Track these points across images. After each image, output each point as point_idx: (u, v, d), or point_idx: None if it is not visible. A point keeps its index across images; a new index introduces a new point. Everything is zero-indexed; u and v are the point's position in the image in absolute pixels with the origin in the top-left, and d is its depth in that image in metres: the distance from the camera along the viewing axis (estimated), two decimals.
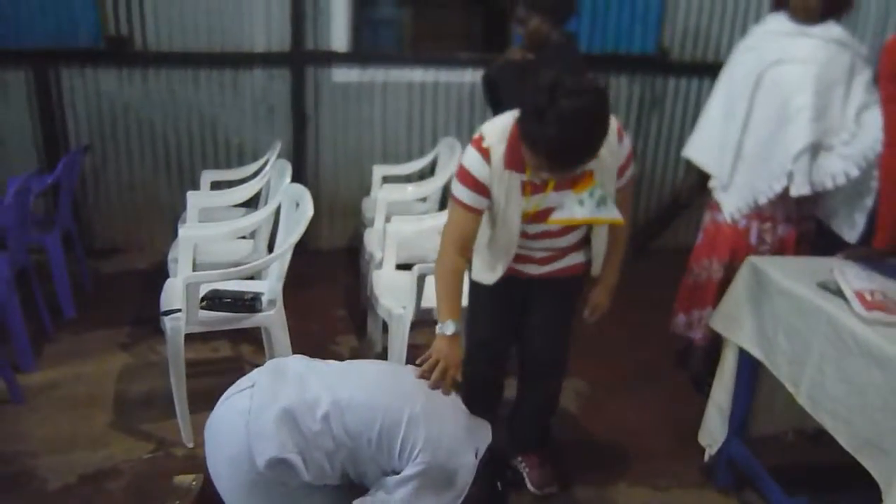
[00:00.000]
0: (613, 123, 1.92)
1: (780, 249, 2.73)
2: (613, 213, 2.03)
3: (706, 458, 2.48)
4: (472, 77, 4.46)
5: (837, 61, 2.55)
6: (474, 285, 2.27)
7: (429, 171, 4.35)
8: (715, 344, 2.79)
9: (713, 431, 2.44)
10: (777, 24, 2.66)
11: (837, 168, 2.56)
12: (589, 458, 2.66)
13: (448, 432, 1.71)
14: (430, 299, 2.71)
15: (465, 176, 2.00)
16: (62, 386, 2.99)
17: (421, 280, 2.64)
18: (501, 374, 2.49)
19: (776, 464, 2.28)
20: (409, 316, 2.68)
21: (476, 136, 2.00)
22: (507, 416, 2.55)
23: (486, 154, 1.96)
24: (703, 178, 2.89)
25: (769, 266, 2.20)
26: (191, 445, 2.59)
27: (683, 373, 3.20)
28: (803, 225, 2.77)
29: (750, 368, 2.30)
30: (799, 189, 2.59)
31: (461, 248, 2.06)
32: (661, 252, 4.77)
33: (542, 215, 2.04)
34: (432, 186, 3.88)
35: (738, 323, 2.29)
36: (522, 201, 2.01)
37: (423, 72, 4.47)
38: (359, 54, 4.43)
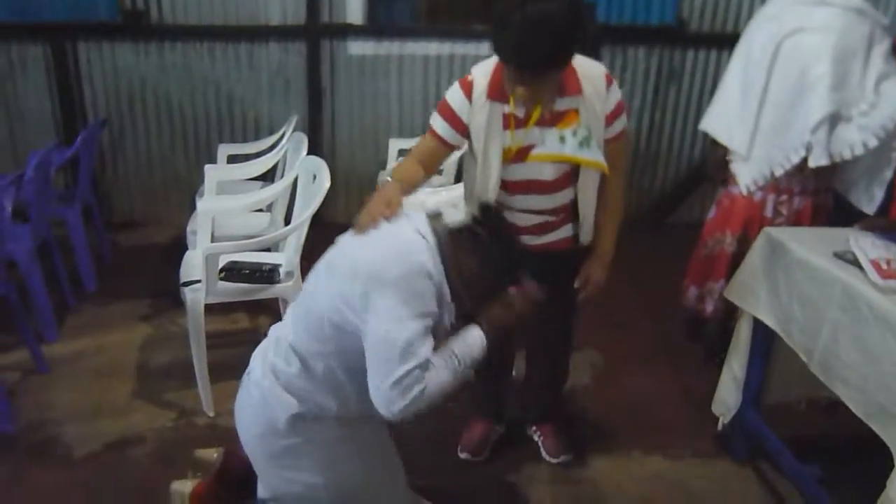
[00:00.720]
0: (601, 68, 1.98)
1: (796, 222, 2.70)
2: (597, 156, 1.98)
3: (720, 427, 2.50)
4: (487, 50, 4.41)
5: (856, 30, 2.51)
6: None
7: None
8: (728, 317, 2.80)
9: (727, 401, 2.45)
10: None
11: (856, 138, 2.53)
12: (603, 428, 2.69)
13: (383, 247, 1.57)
14: None
15: (443, 107, 2.00)
16: (85, 356, 3.05)
17: None
18: (509, 351, 2.47)
19: (789, 433, 2.30)
20: None
21: (467, 75, 2.00)
22: (520, 389, 2.57)
23: (468, 88, 1.97)
24: (723, 151, 2.83)
25: (785, 236, 2.20)
26: (212, 414, 2.64)
27: (696, 345, 3.21)
28: (820, 197, 2.74)
29: (764, 338, 2.31)
30: (817, 160, 2.56)
31: (416, 163, 2.02)
32: (677, 226, 4.75)
33: (524, 153, 1.99)
34: (449, 158, 3.87)
35: (753, 293, 2.30)
36: (505, 136, 1.97)
37: (439, 44, 4.45)
38: (374, 27, 4.41)
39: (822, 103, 2.51)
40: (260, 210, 3.38)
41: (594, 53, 2.94)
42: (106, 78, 4.34)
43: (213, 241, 2.87)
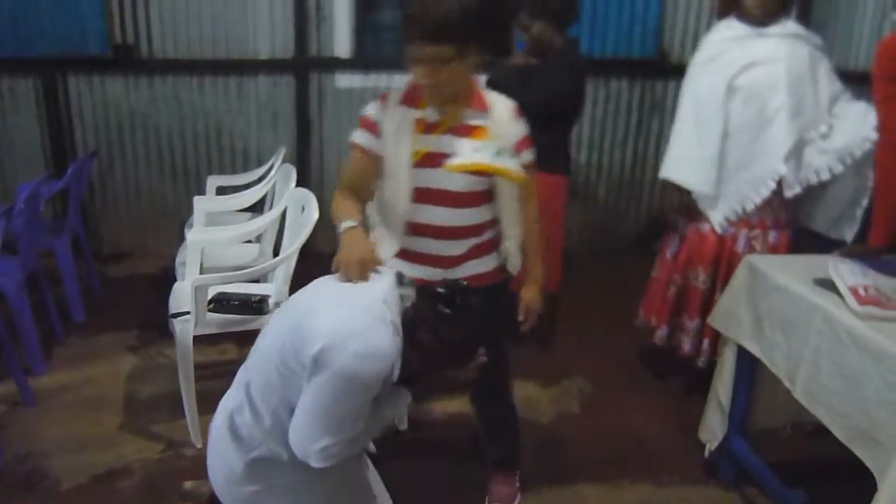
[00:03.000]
0: (510, 102, 2.05)
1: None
2: (515, 165, 1.96)
3: (707, 453, 2.52)
4: None
5: (799, 55, 2.58)
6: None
7: None
8: (713, 354, 2.81)
9: (713, 427, 2.47)
10: (731, 30, 2.67)
11: (821, 163, 2.58)
12: (592, 455, 2.70)
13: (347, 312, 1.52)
14: None
15: (361, 120, 2.04)
16: (72, 388, 3.04)
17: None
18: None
19: (775, 458, 2.32)
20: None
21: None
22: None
23: (384, 97, 2.03)
24: (686, 196, 2.81)
25: (766, 264, 2.24)
26: (199, 446, 2.63)
27: (663, 380, 3.22)
28: (792, 230, 2.78)
29: (749, 365, 2.34)
30: (792, 188, 2.62)
31: (349, 186, 2.03)
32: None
33: (435, 159, 1.96)
34: None
35: (736, 320, 2.33)
36: (413, 139, 1.97)
37: None
38: (361, 60, 4.48)
39: (785, 133, 2.57)
40: (249, 241, 3.40)
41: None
42: (96, 111, 4.37)
43: (201, 272, 2.88)
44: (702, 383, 2.82)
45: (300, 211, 2.83)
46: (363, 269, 1.65)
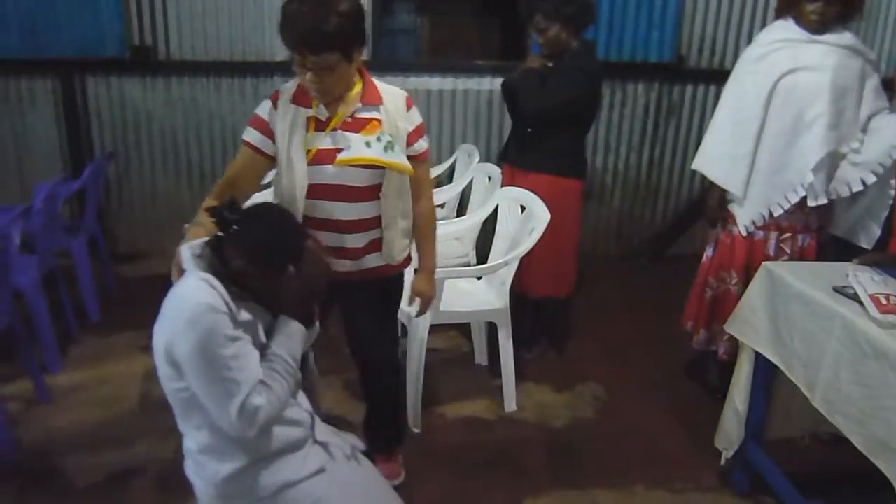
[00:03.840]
0: (403, 92, 2.13)
1: (801, 259, 2.71)
2: (402, 159, 2.02)
3: (722, 461, 2.49)
4: (489, 85, 4.51)
5: (849, 67, 2.56)
6: None
7: (447, 179, 4.39)
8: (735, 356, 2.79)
9: (730, 435, 2.45)
10: (785, 32, 2.64)
11: (853, 176, 2.56)
12: (606, 462, 2.68)
13: None
14: (448, 303, 2.76)
15: (252, 119, 2.05)
16: (87, 387, 3.06)
17: (440, 284, 2.68)
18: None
19: (792, 467, 2.29)
20: (427, 320, 2.72)
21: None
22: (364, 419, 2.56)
23: (275, 96, 2.04)
24: (725, 191, 2.82)
25: (784, 271, 2.22)
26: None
27: (700, 382, 3.21)
28: (822, 234, 2.76)
29: (766, 372, 2.32)
30: (817, 199, 2.59)
31: (227, 184, 2.04)
32: (677, 259, 4.78)
33: (328, 155, 2.00)
34: (450, 192, 3.92)
35: (753, 327, 2.31)
36: (306, 137, 2.01)
37: (441, 79, 4.52)
38: (377, 62, 4.48)
39: (820, 143, 2.54)
40: None
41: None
42: (113, 112, 4.40)
43: None
44: (719, 394, 2.81)
45: None
46: (178, 273, 1.71)
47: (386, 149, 2.00)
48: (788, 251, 2.73)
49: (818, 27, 2.56)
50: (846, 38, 2.57)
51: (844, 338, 1.88)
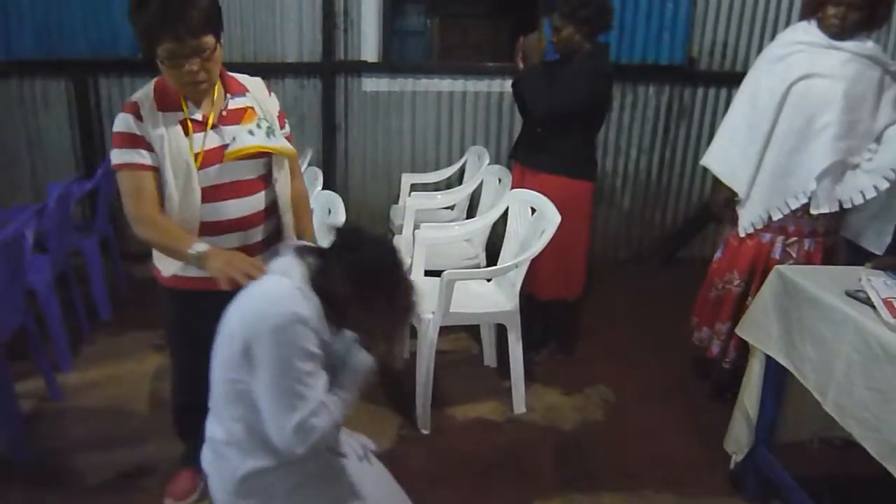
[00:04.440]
0: (259, 79, 2.10)
1: (807, 263, 2.68)
2: (284, 142, 2.04)
3: (732, 465, 2.49)
4: (499, 86, 4.51)
5: (867, 77, 2.52)
6: (171, 294, 2.12)
7: (457, 180, 4.40)
8: (742, 358, 2.79)
9: (739, 439, 2.44)
10: (807, 35, 2.61)
11: (865, 183, 2.53)
12: (614, 464, 2.68)
13: None
14: (458, 305, 2.76)
15: (118, 139, 1.90)
16: (99, 385, 3.07)
17: (450, 286, 2.69)
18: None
19: (803, 472, 2.28)
20: (437, 321, 2.73)
21: (122, 104, 1.95)
22: None
23: (133, 108, 1.89)
24: (732, 191, 2.82)
25: (797, 274, 2.21)
26: None
27: (707, 383, 3.20)
28: (830, 239, 2.74)
29: (777, 376, 2.31)
30: (819, 207, 2.58)
31: (151, 206, 1.92)
32: (687, 261, 4.77)
33: (216, 155, 1.94)
34: (460, 194, 3.93)
35: (765, 331, 2.30)
36: (188, 142, 1.91)
37: (452, 81, 4.53)
38: (388, 64, 4.50)
39: (826, 152, 2.52)
40: None
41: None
42: None
43: None
44: (728, 391, 2.80)
45: (327, 214, 2.85)
46: (254, 269, 1.67)
47: (268, 134, 1.99)
48: (794, 255, 2.71)
49: (838, 32, 2.53)
50: (867, 46, 2.53)
51: (857, 342, 1.88)
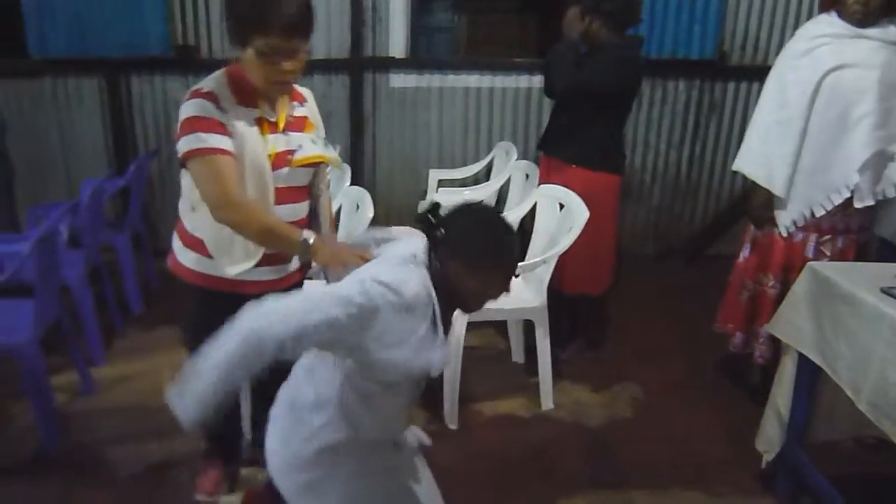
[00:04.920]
0: (308, 90, 2.14)
1: (840, 261, 2.64)
2: (335, 154, 2.09)
3: (763, 464, 2.45)
4: (527, 82, 4.49)
5: None
6: (202, 294, 2.06)
7: (484, 176, 4.39)
8: (774, 360, 2.75)
9: (771, 438, 2.41)
10: (830, 27, 2.55)
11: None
12: (643, 462, 2.65)
13: None
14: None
15: (196, 123, 1.81)
16: (130, 379, 3.12)
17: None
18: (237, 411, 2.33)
19: (836, 472, 2.24)
20: (465, 317, 2.72)
21: (191, 91, 1.88)
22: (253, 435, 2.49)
23: (211, 97, 1.84)
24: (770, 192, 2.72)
25: (831, 271, 2.17)
26: (250, 437, 2.67)
27: (742, 383, 3.15)
28: (864, 235, 2.69)
29: (810, 374, 2.27)
30: (864, 200, 2.52)
31: (242, 190, 1.87)
32: (716, 259, 4.70)
33: (283, 158, 1.95)
34: (488, 190, 3.92)
35: (797, 328, 2.26)
36: (264, 141, 1.91)
37: (479, 77, 4.52)
38: (416, 60, 4.50)
39: (867, 142, 2.46)
40: None
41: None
42: (157, 110, 4.49)
43: None
44: (760, 397, 2.76)
45: (355, 209, 2.86)
46: (358, 263, 1.63)
47: (326, 145, 2.03)
48: (828, 253, 2.65)
49: (862, 19, 2.47)
50: (893, 32, 2.48)
51: (893, 340, 1.83)
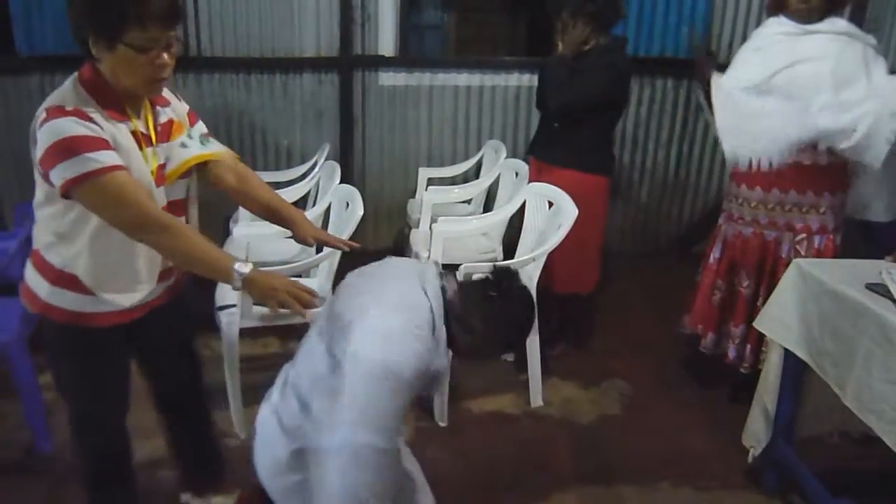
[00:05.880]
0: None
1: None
2: (220, 147, 1.89)
3: (750, 459, 2.48)
4: (516, 81, 4.51)
5: (849, 53, 2.49)
6: (66, 333, 1.79)
7: (473, 174, 4.40)
8: (755, 360, 2.78)
9: (757, 433, 2.43)
10: (779, 27, 2.60)
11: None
12: (632, 457, 2.68)
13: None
14: None
15: (77, 143, 1.53)
16: None
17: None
18: (127, 446, 2.12)
19: (822, 466, 2.27)
20: None
21: (46, 110, 1.59)
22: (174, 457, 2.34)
23: (77, 113, 1.56)
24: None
25: (816, 268, 2.20)
26: (243, 436, 2.68)
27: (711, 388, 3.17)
28: (838, 235, 2.70)
29: (795, 370, 2.30)
30: (849, 140, 2.48)
31: (159, 208, 1.67)
32: (704, 256, 4.74)
33: (160, 175, 1.73)
34: (477, 188, 3.93)
35: (783, 324, 2.29)
36: (143, 156, 1.67)
37: (469, 75, 4.53)
38: (406, 58, 4.50)
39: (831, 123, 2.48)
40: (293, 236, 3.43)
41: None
42: None
43: None
44: (746, 392, 2.78)
45: (345, 207, 2.86)
46: (302, 296, 1.62)
47: (202, 143, 1.83)
48: (804, 253, 2.67)
49: (807, 16, 2.52)
50: (840, 24, 2.52)
51: (877, 336, 1.86)
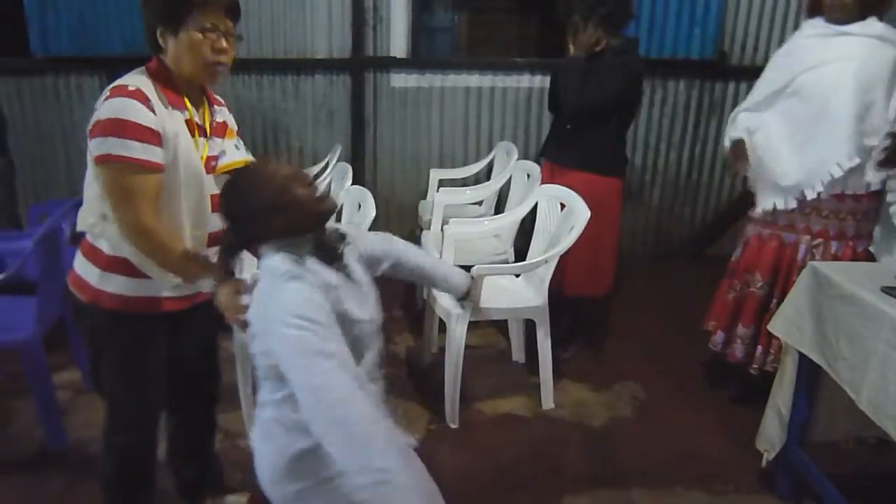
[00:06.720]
0: None
1: None
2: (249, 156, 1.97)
3: (764, 463, 2.46)
4: (528, 82, 4.50)
5: (878, 57, 2.46)
6: (115, 320, 1.82)
7: (485, 176, 4.40)
8: (766, 362, 2.76)
9: (771, 437, 2.42)
10: (814, 29, 2.60)
11: (872, 179, 2.52)
12: (644, 460, 2.66)
13: None
14: (487, 300, 2.76)
15: (123, 126, 1.61)
16: None
17: (479, 281, 2.68)
18: (155, 449, 2.11)
19: (836, 471, 2.25)
20: (466, 316, 2.73)
21: (110, 90, 1.67)
22: (172, 462, 2.32)
23: (141, 97, 1.64)
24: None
25: (831, 270, 2.18)
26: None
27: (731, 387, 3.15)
28: (861, 244, 2.67)
29: (810, 374, 2.28)
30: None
31: (156, 217, 1.70)
32: (717, 258, 4.71)
33: (209, 165, 1.80)
34: (489, 190, 3.93)
35: (798, 327, 2.28)
36: (195, 144, 1.75)
37: (480, 77, 4.53)
38: (417, 60, 4.51)
39: (847, 137, 2.48)
40: None
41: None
42: None
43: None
44: (754, 393, 2.77)
45: (357, 209, 2.86)
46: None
47: (247, 150, 1.95)
48: (819, 258, 2.65)
49: (841, 17, 2.51)
50: (876, 27, 2.49)
51: (893, 339, 1.85)
